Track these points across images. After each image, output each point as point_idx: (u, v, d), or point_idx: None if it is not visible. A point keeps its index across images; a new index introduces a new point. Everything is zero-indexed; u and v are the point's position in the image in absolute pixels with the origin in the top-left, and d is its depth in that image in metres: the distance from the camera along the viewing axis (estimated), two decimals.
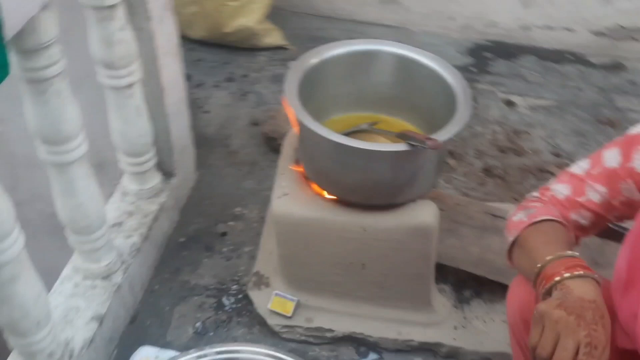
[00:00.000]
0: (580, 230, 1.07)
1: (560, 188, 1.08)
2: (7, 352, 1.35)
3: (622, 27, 2.68)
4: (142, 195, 1.80)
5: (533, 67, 2.72)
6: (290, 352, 1.28)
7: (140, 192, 1.80)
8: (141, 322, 1.67)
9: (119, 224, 1.72)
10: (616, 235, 1.21)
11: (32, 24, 1.07)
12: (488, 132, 2.32)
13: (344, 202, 1.45)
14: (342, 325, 1.60)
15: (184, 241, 1.89)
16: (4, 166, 2.24)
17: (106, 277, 1.57)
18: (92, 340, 1.45)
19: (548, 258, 0.93)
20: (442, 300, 1.63)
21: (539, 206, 1.07)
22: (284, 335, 1.61)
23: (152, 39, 1.57)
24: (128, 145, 1.68)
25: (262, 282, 1.68)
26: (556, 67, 2.72)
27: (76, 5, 1.39)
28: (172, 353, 1.43)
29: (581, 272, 0.89)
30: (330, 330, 1.59)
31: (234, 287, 1.75)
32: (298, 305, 1.60)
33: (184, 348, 1.52)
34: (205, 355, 1.24)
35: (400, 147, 1.28)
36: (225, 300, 1.71)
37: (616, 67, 2.72)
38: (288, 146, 1.60)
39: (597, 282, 0.90)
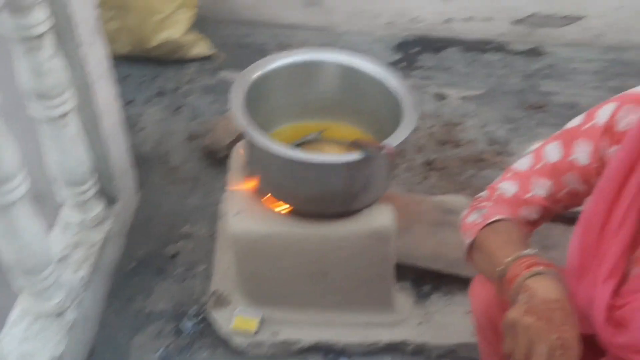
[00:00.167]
0: (531, 224, 1.11)
1: (507, 186, 1.11)
2: None
3: (538, 14, 2.80)
4: (86, 225, 1.73)
5: (459, 58, 2.80)
6: None
7: (83, 222, 1.72)
8: (100, 357, 1.60)
9: (64, 258, 1.64)
10: (561, 217, 1.25)
11: None
12: (425, 126, 2.37)
13: (300, 213, 1.44)
14: (309, 334, 1.59)
15: (134, 267, 1.82)
16: None
17: (59, 315, 1.50)
18: None
19: (506, 260, 0.95)
20: (403, 298, 1.65)
21: (490, 205, 1.09)
22: (251, 352, 1.59)
23: (84, 64, 1.50)
24: (67, 175, 1.60)
25: (221, 300, 1.65)
26: (481, 57, 2.81)
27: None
28: None
29: (541, 269, 0.91)
30: (298, 342, 1.59)
31: (192, 309, 1.70)
32: (262, 320, 1.59)
33: None
34: None
35: (354, 156, 1.28)
36: (184, 324, 1.67)
37: (536, 52, 2.84)
38: (235, 161, 1.58)
39: (558, 277, 0.92)
